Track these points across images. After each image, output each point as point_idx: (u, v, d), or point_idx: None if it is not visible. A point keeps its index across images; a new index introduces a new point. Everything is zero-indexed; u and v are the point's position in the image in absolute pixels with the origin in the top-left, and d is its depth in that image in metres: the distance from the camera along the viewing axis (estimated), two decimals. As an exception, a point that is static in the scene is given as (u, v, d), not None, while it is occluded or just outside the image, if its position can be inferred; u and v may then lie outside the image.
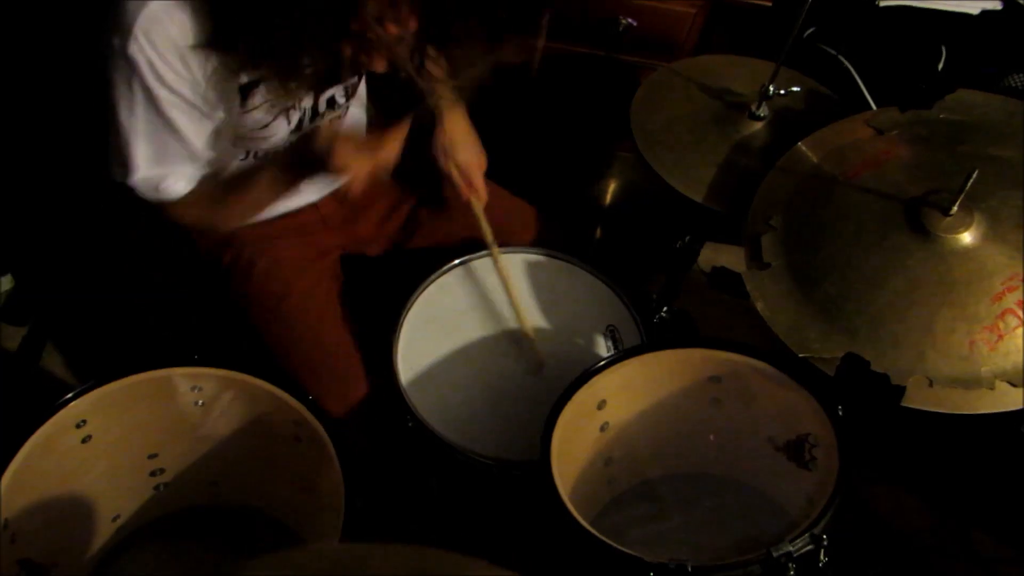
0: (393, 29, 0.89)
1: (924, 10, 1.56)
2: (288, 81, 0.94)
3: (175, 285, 1.54)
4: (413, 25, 0.90)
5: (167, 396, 1.10)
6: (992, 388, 0.92)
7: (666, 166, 1.24)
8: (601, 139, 1.84)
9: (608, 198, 1.92)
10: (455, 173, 1.29)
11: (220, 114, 1.05)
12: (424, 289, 1.30)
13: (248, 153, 1.17)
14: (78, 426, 1.05)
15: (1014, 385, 0.91)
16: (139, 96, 0.96)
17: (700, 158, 1.25)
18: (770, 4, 1.55)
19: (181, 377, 1.09)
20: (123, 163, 1.04)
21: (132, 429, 1.12)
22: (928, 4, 1.57)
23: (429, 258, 1.33)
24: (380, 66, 0.96)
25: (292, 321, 1.25)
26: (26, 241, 1.72)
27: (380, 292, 1.34)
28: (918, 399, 0.94)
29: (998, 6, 1.58)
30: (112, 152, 1.04)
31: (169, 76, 0.95)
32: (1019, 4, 1.58)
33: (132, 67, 0.93)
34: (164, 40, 0.92)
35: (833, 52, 1.60)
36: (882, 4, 1.56)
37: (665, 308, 1.60)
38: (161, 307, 1.63)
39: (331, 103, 1.17)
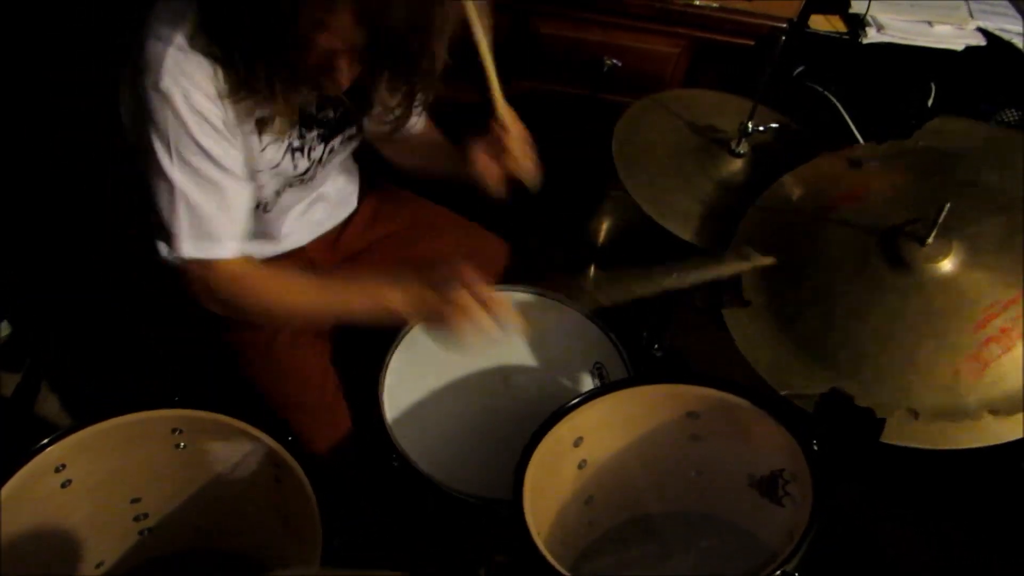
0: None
1: (908, 47, 1.58)
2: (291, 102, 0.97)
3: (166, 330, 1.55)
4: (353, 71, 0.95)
5: (147, 439, 1.10)
6: (979, 419, 0.90)
7: (647, 200, 1.24)
8: (592, 178, 1.85)
9: (602, 237, 1.92)
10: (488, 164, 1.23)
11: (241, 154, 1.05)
12: (412, 327, 1.30)
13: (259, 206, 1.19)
14: (57, 470, 1.04)
15: (1000, 414, 0.89)
16: (178, 132, 0.96)
17: (682, 194, 1.26)
18: (752, 44, 1.57)
19: (160, 420, 1.08)
20: (167, 230, 1.02)
21: (113, 473, 1.11)
22: (911, 41, 1.58)
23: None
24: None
25: (282, 362, 1.25)
26: (22, 287, 1.74)
27: (366, 331, 1.34)
28: (904, 434, 0.92)
29: (982, 42, 1.59)
30: (155, 221, 1.03)
31: (204, 105, 0.96)
32: (1002, 40, 1.59)
33: (168, 100, 0.94)
34: (191, 78, 0.94)
35: (820, 90, 1.61)
36: (866, 42, 1.58)
37: (656, 345, 1.60)
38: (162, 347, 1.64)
39: (331, 151, 1.20)
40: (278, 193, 1.20)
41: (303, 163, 1.15)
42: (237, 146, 1.03)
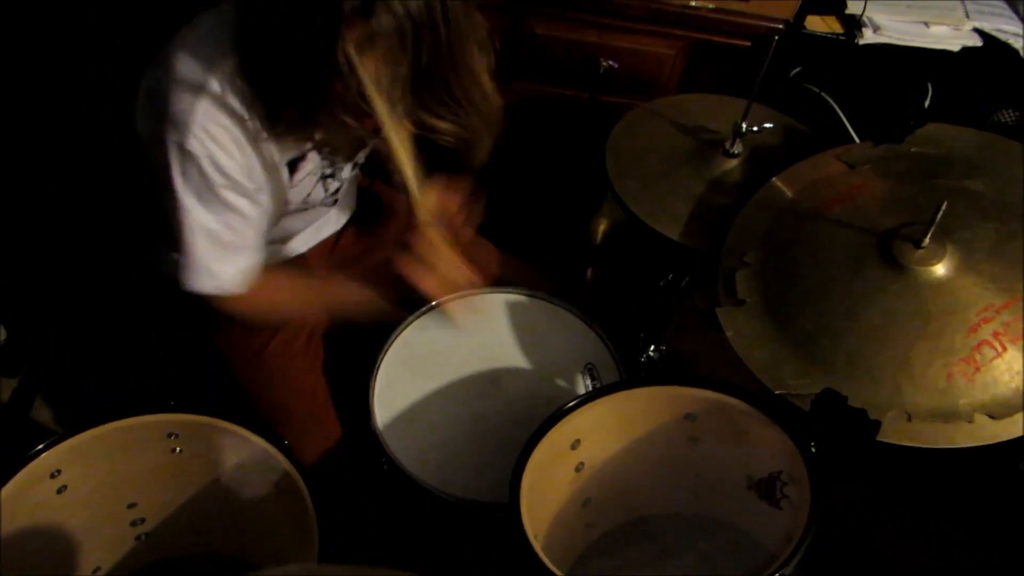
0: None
1: (905, 48, 1.58)
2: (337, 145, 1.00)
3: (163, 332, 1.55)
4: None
5: (143, 444, 1.10)
6: (971, 421, 0.90)
7: (641, 204, 1.24)
8: (589, 180, 1.85)
9: (599, 238, 1.92)
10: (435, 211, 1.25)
11: (268, 196, 1.07)
12: (402, 331, 1.30)
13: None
14: (52, 476, 1.04)
15: (993, 417, 0.89)
16: (198, 185, 0.98)
17: (676, 196, 1.26)
18: (749, 44, 1.57)
19: (156, 424, 1.08)
20: (185, 259, 1.04)
21: (109, 478, 1.11)
22: (908, 42, 1.58)
23: (407, 299, 1.33)
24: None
25: (272, 370, 1.26)
26: (19, 289, 1.74)
27: (357, 336, 1.34)
28: (896, 434, 0.92)
29: (978, 43, 1.59)
30: (176, 252, 1.05)
31: (228, 165, 0.97)
32: (999, 41, 1.59)
33: (192, 160, 0.95)
34: (221, 132, 0.95)
35: (817, 91, 1.61)
36: (862, 43, 1.58)
37: (653, 347, 1.60)
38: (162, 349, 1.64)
39: (354, 164, 1.22)
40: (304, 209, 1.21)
41: (333, 185, 1.18)
42: (264, 190, 1.04)
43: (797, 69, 1.64)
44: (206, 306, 1.10)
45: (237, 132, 0.96)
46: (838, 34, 1.60)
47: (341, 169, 1.17)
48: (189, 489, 1.18)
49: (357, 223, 1.44)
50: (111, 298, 1.72)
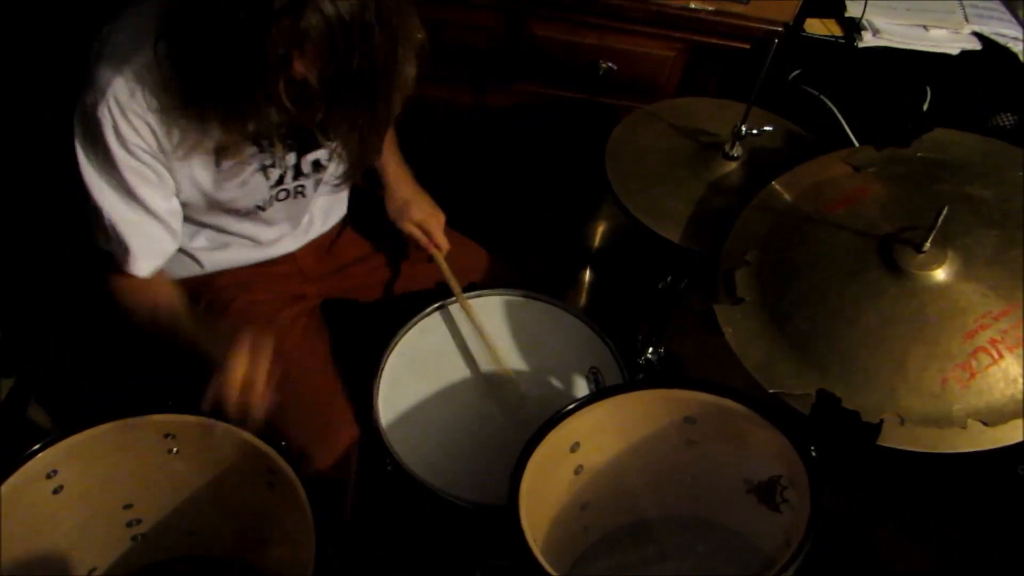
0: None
1: (904, 51, 1.58)
2: (246, 130, 0.97)
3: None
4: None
5: (140, 444, 1.09)
6: (964, 427, 0.90)
7: (640, 206, 1.24)
8: (588, 181, 1.85)
9: (597, 241, 1.92)
10: (415, 231, 1.34)
11: (191, 185, 1.08)
12: (405, 332, 1.30)
13: (238, 212, 1.19)
14: (48, 476, 1.04)
15: (986, 424, 0.89)
16: (101, 157, 1.01)
17: (675, 198, 1.25)
18: (748, 47, 1.57)
19: (153, 425, 1.08)
20: (95, 226, 1.08)
21: (106, 479, 1.11)
22: (907, 45, 1.59)
23: (411, 301, 1.34)
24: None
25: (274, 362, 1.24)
26: (16, 289, 1.73)
27: (362, 337, 1.34)
28: (892, 437, 0.92)
29: (977, 46, 1.59)
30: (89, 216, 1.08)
31: (132, 140, 0.99)
32: (997, 44, 1.60)
33: (97, 126, 0.97)
34: (133, 107, 0.96)
35: (816, 94, 1.61)
36: (861, 46, 1.58)
37: (651, 349, 1.59)
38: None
39: (316, 166, 1.19)
40: (274, 199, 1.20)
41: (275, 172, 1.15)
42: (170, 175, 1.06)
43: (796, 72, 1.64)
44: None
45: (152, 116, 0.98)
46: (837, 37, 1.60)
47: (283, 159, 1.15)
48: (186, 490, 1.18)
49: (355, 226, 1.43)
50: (106, 300, 1.71)
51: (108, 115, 0.97)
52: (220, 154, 1.05)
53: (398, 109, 1.00)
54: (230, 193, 1.13)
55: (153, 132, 0.99)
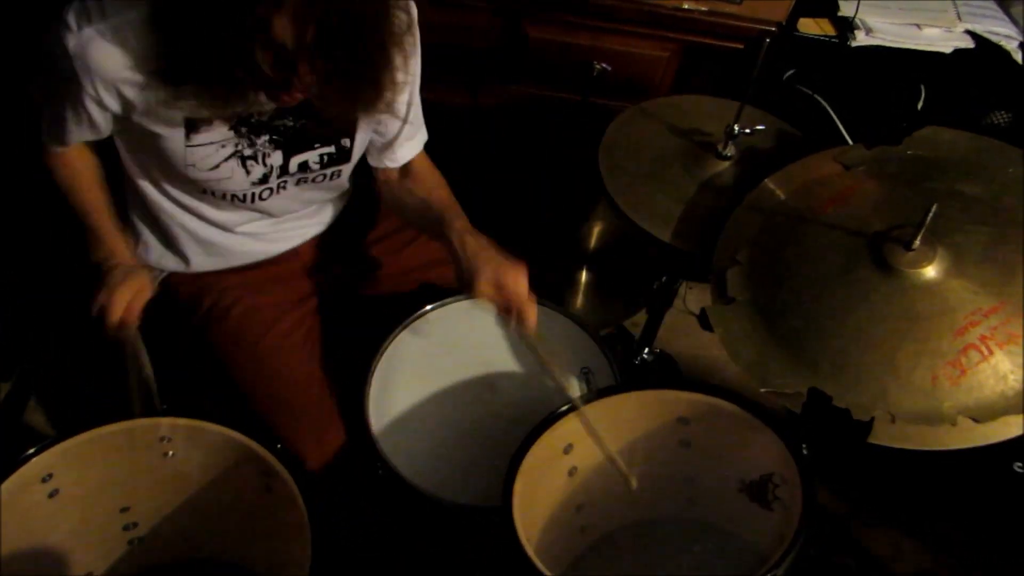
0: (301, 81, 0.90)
1: (897, 50, 1.59)
2: (218, 106, 0.95)
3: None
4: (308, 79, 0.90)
5: (136, 447, 1.10)
6: (955, 424, 0.90)
7: (633, 205, 1.24)
8: (583, 182, 1.86)
9: (593, 241, 1.92)
10: (494, 296, 1.09)
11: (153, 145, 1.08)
12: (397, 335, 1.30)
13: (213, 193, 1.18)
14: (44, 480, 1.04)
15: (977, 421, 0.89)
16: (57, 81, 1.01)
17: (668, 197, 1.26)
18: (742, 47, 1.57)
19: (149, 428, 1.08)
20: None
21: (102, 482, 1.11)
22: (900, 44, 1.59)
23: (402, 302, 1.34)
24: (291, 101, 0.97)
25: (268, 362, 1.25)
26: (11, 292, 1.74)
27: (355, 338, 1.34)
28: (882, 435, 0.92)
29: (971, 45, 1.60)
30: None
31: (96, 97, 1.00)
32: (991, 42, 1.60)
33: (66, 59, 0.97)
34: (95, 66, 0.97)
35: (810, 93, 1.62)
36: (855, 45, 1.58)
37: (647, 350, 1.60)
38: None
39: (304, 167, 1.19)
40: (257, 197, 1.20)
41: (258, 169, 1.14)
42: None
43: (791, 72, 1.64)
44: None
45: (111, 73, 0.97)
46: (831, 36, 1.60)
47: (267, 155, 1.13)
48: (182, 493, 1.18)
49: (354, 226, 1.43)
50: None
51: (83, 62, 0.96)
52: (191, 127, 1.05)
53: (399, 66, 0.95)
54: (200, 173, 1.12)
55: (110, 91, 0.99)
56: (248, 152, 1.11)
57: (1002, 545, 1.55)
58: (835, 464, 0.99)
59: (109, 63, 0.97)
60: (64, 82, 1.00)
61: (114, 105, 1.02)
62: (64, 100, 1.05)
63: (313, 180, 1.22)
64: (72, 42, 0.96)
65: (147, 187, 1.20)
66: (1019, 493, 1.41)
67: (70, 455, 1.04)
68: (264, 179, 1.16)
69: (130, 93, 1.00)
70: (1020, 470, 1.39)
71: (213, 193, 1.18)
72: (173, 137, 1.06)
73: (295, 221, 1.33)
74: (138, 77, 0.98)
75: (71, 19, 0.96)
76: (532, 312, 1.09)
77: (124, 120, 1.06)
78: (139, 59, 0.96)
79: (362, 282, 1.42)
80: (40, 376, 1.73)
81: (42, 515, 1.07)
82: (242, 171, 1.13)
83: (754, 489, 1.04)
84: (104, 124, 1.08)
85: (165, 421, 1.08)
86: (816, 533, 0.92)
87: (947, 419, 0.90)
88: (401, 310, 1.31)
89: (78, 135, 1.10)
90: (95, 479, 1.10)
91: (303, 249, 1.36)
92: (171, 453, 1.12)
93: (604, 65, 1.61)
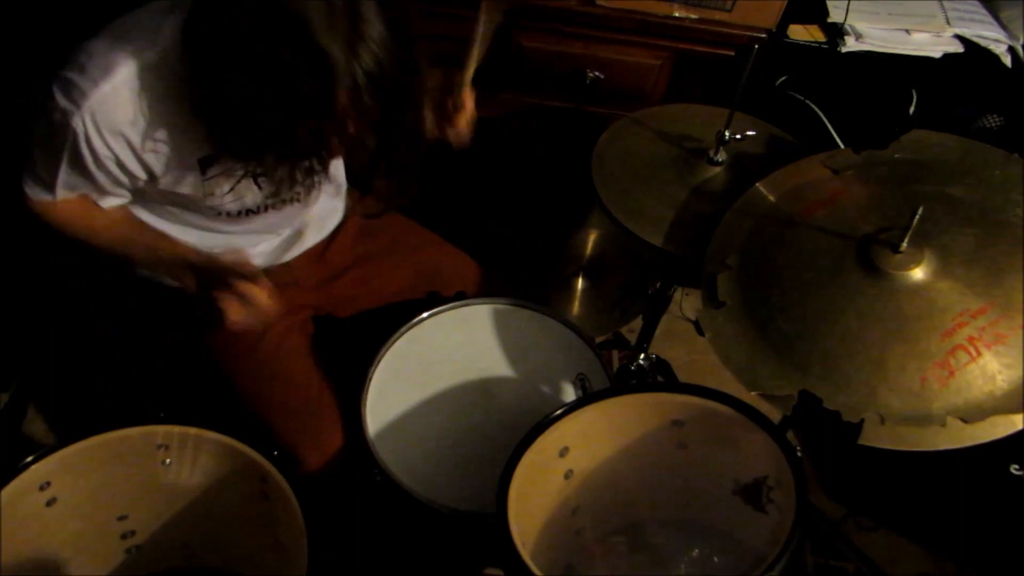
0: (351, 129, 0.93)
1: (887, 55, 1.60)
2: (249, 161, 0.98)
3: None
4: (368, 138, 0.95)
5: (133, 455, 1.10)
6: (944, 425, 0.91)
7: (625, 211, 1.26)
8: (577, 190, 1.87)
9: (588, 249, 1.93)
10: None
11: (168, 183, 1.08)
12: (394, 342, 1.30)
13: (228, 213, 1.19)
14: (41, 488, 1.04)
15: (966, 421, 0.90)
16: (66, 150, 0.99)
17: (660, 203, 1.27)
18: (733, 54, 1.59)
19: (146, 436, 1.09)
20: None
21: (99, 490, 1.12)
22: (890, 49, 1.60)
23: (398, 312, 1.35)
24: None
25: (267, 363, 1.26)
26: (11, 295, 1.74)
27: (350, 349, 1.35)
28: (872, 436, 0.93)
29: (960, 49, 1.61)
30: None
31: (101, 151, 0.98)
32: (979, 46, 1.61)
33: (69, 133, 0.96)
34: (109, 123, 0.95)
35: (802, 99, 1.63)
36: (845, 51, 1.60)
37: (643, 355, 1.61)
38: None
39: (308, 170, 1.20)
40: (270, 208, 1.21)
41: (269, 185, 1.15)
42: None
43: (783, 78, 1.66)
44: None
45: (126, 128, 0.96)
46: (821, 42, 1.62)
47: (273, 169, 1.14)
48: (180, 501, 1.19)
49: (346, 237, 1.44)
50: (101, 312, 1.72)
51: (81, 127, 0.95)
52: (205, 164, 1.05)
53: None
54: (216, 200, 1.13)
55: (124, 146, 0.98)
56: (259, 170, 1.13)
57: (1000, 548, 1.55)
58: (831, 468, 1.00)
59: (120, 116, 0.96)
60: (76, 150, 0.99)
61: (124, 156, 1.01)
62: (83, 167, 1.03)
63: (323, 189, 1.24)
64: (73, 105, 0.94)
65: (155, 221, 1.21)
66: (1016, 496, 1.41)
67: (68, 463, 1.05)
68: (276, 191, 1.17)
69: (138, 141, 0.99)
70: (1017, 473, 1.39)
71: (228, 213, 1.19)
72: (189, 180, 1.07)
73: (288, 235, 1.34)
74: (151, 119, 0.97)
75: (75, 85, 0.94)
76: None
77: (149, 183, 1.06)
78: (157, 102, 0.96)
79: (358, 293, 1.43)
80: (39, 385, 1.74)
81: (40, 523, 1.07)
82: (254, 185, 1.14)
83: (748, 492, 1.05)
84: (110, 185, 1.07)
85: (162, 429, 1.09)
86: (812, 537, 0.93)
87: (936, 420, 0.91)
88: (398, 318, 1.32)
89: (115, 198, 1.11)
90: (93, 487, 1.10)
91: (296, 264, 1.36)
92: (168, 461, 1.13)
93: (597, 73, 1.63)
